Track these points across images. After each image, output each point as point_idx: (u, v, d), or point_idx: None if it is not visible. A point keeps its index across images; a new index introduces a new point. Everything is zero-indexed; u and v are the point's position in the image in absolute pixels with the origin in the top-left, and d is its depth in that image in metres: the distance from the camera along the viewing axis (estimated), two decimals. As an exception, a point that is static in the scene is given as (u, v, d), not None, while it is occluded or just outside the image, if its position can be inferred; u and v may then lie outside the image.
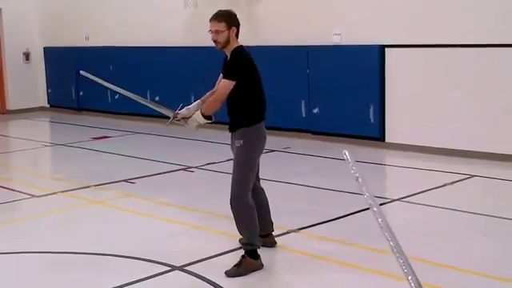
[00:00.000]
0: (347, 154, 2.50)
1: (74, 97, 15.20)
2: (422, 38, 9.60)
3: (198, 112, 5.07)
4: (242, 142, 4.95)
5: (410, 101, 9.83)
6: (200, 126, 5.17)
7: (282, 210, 6.68)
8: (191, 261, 5.13)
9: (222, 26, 4.90)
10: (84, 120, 14.20)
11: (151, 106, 5.64)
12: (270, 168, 8.85)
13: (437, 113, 9.52)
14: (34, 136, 12.54)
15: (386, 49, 10.01)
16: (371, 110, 10.14)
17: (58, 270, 5.17)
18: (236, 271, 4.87)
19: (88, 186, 8.02)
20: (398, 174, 8.79)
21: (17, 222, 6.91)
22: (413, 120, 9.78)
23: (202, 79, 12.38)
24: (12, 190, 8.12)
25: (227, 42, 4.93)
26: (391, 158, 9.65)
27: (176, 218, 6.46)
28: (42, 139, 12.43)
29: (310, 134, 10.94)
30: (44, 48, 15.97)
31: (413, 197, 7.11)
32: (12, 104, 15.78)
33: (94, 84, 14.92)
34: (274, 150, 9.89)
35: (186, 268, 5.01)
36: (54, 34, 15.71)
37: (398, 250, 2.21)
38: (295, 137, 10.96)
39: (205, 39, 12.38)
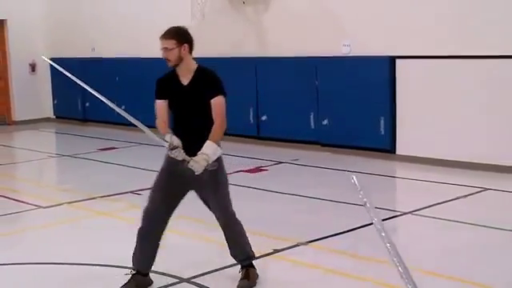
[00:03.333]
0: (355, 179, 2.53)
1: (79, 108, 15.28)
2: (434, 49, 9.63)
3: (211, 147, 4.67)
4: (217, 163, 4.79)
5: (421, 112, 9.84)
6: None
7: (291, 222, 6.71)
8: (198, 273, 5.15)
9: (171, 44, 4.76)
10: (90, 131, 14.27)
11: (145, 130, 4.87)
12: (279, 180, 8.89)
13: (448, 125, 9.53)
14: (40, 147, 12.62)
15: (397, 60, 10.03)
16: (382, 121, 10.16)
17: (62, 282, 5.20)
18: (249, 284, 4.91)
19: (94, 197, 8.06)
20: (409, 187, 8.80)
21: (23, 232, 6.97)
22: (424, 132, 9.80)
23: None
24: (18, 201, 8.17)
25: (179, 59, 4.77)
26: (402, 170, 9.65)
27: (182, 230, 6.48)
28: (48, 150, 12.51)
29: (319, 146, 10.95)
30: (50, 59, 16.04)
31: (425, 210, 7.11)
32: (18, 115, 15.88)
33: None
34: (282, 162, 9.91)
35: (193, 280, 5.04)
36: (59, 45, 15.82)
37: (407, 276, 2.21)
38: (304, 149, 10.98)
39: (213, 50, 12.46)
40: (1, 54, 15.67)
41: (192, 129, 4.76)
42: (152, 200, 4.87)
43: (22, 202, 8.09)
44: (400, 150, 10.15)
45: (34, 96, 16.05)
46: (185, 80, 4.81)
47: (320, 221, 6.85)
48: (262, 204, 7.61)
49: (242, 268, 5.01)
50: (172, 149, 4.59)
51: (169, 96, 4.83)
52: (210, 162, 4.64)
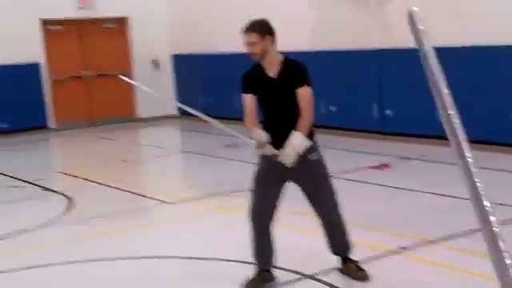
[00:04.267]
0: None
1: (202, 104, 15.64)
2: None
3: (298, 138, 4.68)
4: (317, 153, 4.88)
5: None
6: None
7: (419, 220, 6.58)
8: (319, 269, 5.16)
9: (254, 37, 4.79)
10: (213, 128, 14.55)
11: (233, 133, 5.14)
12: (405, 176, 8.72)
13: None
14: (166, 143, 13.05)
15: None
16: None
17: (187, 277, 5.37)
18: (367, 274, 4.99)
19: (220, 194, 8.23)
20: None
21: (149, 227, 7.24)
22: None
23: (336, 84, 12.45)
24: (145, 196, 8.48)
25: (264, 52, 4.81)
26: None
27: (306, 227, 6.49)
28: (174, 147, 12.91)
29: (446, 141, 10.63)
30: (172, 55, 16.53)
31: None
32: (142, 112, 16.41)
33: (222, 91, 15.25)
34: (408, 158, 9.73)
35: (317, 276, 5.06)
36: (182, 42, 16.21)
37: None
38: (430, 143, 10.72)
39: (334, 43, 12.33)
40: (124, 52, 16.24)
41: (281, 121, 4.81)
42: (253, 200, 5.00)
43: (148, 197, 8.39)
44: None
45: (157, 93, 16.50)
46: (271, 72, 4.86)
47: (449, 219, 6.68)
48: (388, 201, 7.52)
49: (342, 260, 5.07)
50: (259, 146, 4.64)
51: (256, 90, 4.89)
52: (300, 152, 4.67)
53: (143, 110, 16.41)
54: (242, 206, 7.58)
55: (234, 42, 14.78)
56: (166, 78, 16.55)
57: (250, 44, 4.82)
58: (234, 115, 14.65)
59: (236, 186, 8.49)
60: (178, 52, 16.38)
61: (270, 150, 4.66)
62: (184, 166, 11.49)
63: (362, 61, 11.63)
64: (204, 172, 10.00)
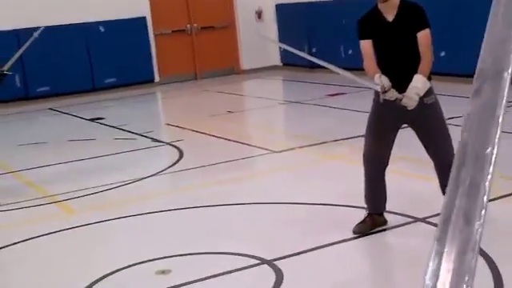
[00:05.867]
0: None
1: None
2: None
3: (421, 80, 4.75)
4: (432, 97, 4.90)
5: None
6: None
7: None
8: (433, 213, 5.26)
9: None
10: (317, 77, 14.64)
11: (353, 78, 5.28)
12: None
13: None
14: (269, 94, 13.27)
15: None
16: None
17: (295, 221, 5.61)
18: None
19: (325, 142, 8.39)
20: None
21: (257, 176, 7.52)
22: None
23: (445, 29, 12.23)
24: (251, 145, 8.75)
25: None
26: None
27: (416, 173, 6.56)
28: (277, 97, 13.11)
29: None
30: (276, 5, 16.61)
31: None
32: (246, 64, 16.64)
33: (326, 40, 15.21)
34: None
35: (429, 220, 5.19)
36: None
37: None
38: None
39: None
40: (228, 4, 16.42)
41: (400, 65, 4.86)
42: (368, 143, 5.10)
43: (255, 146, 8.65)
44: None
45: (260, 44, 16.70)
46: (389, 16, 4.91)
47: None
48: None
49: None
50: (384, 91, 4.72)
51: (374, 35, 4.94)
52: (421, 95, 4.73)
53: (247, 61, 16.61)
54: (346, 154, 7.76)
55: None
56: (270, 28, 16.66)
57: None
58: (339, 65, 14.66)
59: (340, 135, 8.62)
60: (281, 1, 16.44)
61: (394, 94, 4.74)
62: (288, 116, 11.69)
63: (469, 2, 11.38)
64: (308, 121, 10.16)
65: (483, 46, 1.05)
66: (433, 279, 0.88)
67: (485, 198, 0.90)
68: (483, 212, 0.89)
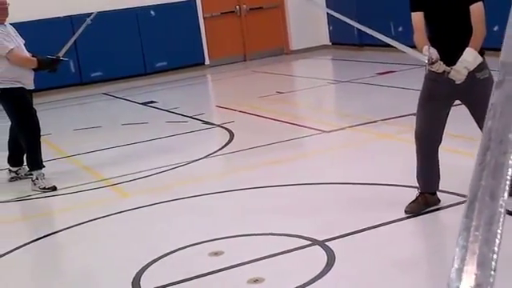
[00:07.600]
0: None
1: (355, 33, 15.54)
2: None
3: (471, 54, 4.63)
4: (486, 71, 4.75)
5: None
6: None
7: None
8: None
9: None
10: (366, 56, 14.50)
11: (401, 48, 5.07)
12: None
13: None
14: (319, 74, 13.18)
15: None
16: None
17: (349, 201, 5.58)
18: None
19: (375, 121, 8.30)
20: None
21: (308, 156, 7.51)
22: None
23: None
24: (301, 126, 8.71)
25: None
26: None
27: (468, 150, 6.45)
28: (327, 77, 13.03)
29: None
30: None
31: None
32: (295, 44, 16.55)
33: (375, 18, 15.05)
34: None
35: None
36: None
37: None
38: None
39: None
40: (276, -17, 16.35)
41: (450, 38, 4.75)
42: (419, 121, 5.00)
43: (305, 126, 8.62)
44: None
45: (309, 24, 16.58)
46: None
47: None
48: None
49: None
50: (432, 63, 4.61)
51: (425, 7, 4.85)
52: (471, 70, 4.62)
53: (296, 42, 16.53)
54: (397, 132, 7.66)
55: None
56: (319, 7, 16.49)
57: None
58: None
59: (391, 113, 8.52)
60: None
61: (441, 67, 4.64)
62: (338, 95, 11.61)
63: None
64: (358, 100, 10.06)
65: (505, 39, 1.16)
66: (462, 251, 1.00)
67: (508, 177, 1.01)
68: (507, 188, 1.00)
